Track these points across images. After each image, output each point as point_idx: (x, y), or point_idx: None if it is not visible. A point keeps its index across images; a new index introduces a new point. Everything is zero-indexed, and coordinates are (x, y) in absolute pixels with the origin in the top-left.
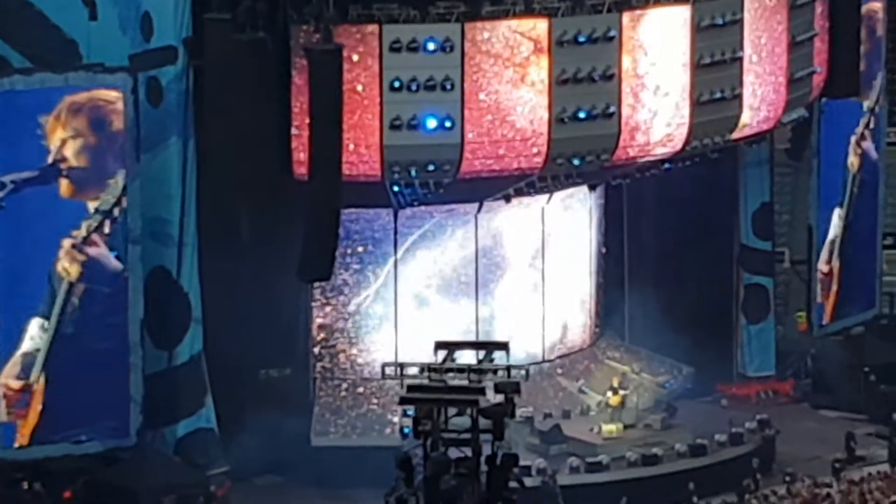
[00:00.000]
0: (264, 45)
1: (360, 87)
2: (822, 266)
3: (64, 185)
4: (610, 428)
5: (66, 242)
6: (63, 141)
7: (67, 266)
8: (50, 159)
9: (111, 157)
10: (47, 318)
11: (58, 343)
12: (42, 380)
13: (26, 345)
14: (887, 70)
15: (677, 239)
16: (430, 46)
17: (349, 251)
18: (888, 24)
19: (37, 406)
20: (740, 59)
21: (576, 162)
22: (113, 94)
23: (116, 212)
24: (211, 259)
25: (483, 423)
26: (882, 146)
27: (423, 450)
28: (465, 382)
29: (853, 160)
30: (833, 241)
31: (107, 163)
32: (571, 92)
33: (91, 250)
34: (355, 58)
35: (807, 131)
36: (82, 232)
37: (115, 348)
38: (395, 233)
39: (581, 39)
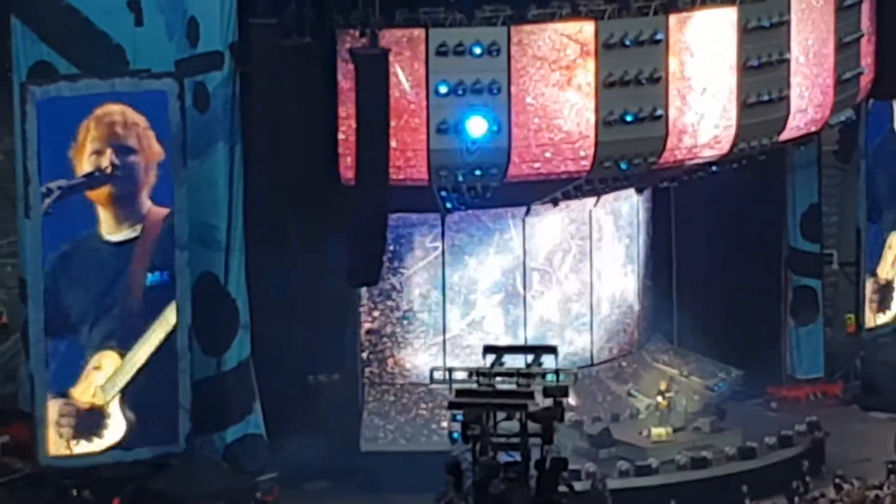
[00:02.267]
0: (310, 50)
1: (407, 93)
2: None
3: (96, 195)
4: (659, 431)
5: None
6: (97, 149)
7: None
8: (85, 167)
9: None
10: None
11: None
12: (118, 401)
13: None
14: None
15: (725, 241)
16: (477, 50)
17: (396, 256)
18: None
19: (118, 428)
20: (787, 61)
21: (623, 165)
22: (139, 117)
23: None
24: (258, 264)
25: (532, 427)
26: None
27: (472, 454)
28: (513, 387)
29: None
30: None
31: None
32: (618, 95)
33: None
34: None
35: (854, 132)
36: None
37: (163, 355)
38: (443, 237)
39: (628, 42)
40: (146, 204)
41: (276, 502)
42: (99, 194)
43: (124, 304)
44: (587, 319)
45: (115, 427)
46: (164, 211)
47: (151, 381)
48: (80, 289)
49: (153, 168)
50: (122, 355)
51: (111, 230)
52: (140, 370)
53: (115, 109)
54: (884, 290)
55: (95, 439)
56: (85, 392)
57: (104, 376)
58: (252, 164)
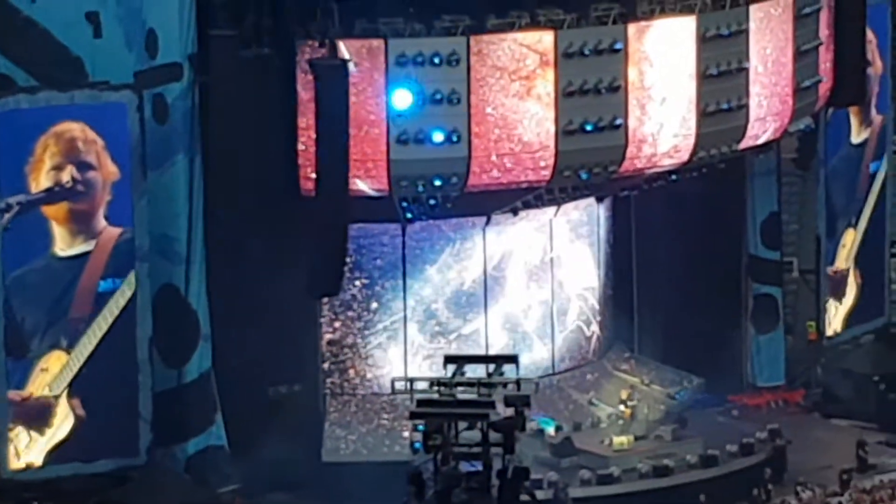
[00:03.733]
0: (270, 61)
1: (366, 104)
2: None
3: (53, 211)
4: (621, 440)
5: None
6: (56, 165)
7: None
8: (44, 183)
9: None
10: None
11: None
12: (65, 397)
13: None
14: (893, 77)
15: (685, 250)
16: (436, 60)
17: (357, 266)
18: (893, 30)
19: (66, 421)
20: (746, 70)
21: (583, 174)
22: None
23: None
24: (219, 276)
25: (493, 436)
26: (888, 153)
27: (433, 464)
28: (474, 396)
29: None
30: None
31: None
32: (578, 104)
33: None
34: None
35: (813, 140)
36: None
37: (123, 367)
38: (404, 247)
39: (587, 51)
40: (101, 223)
41: None
42: (56, 210)
43: (73, 310)
44: (548, 329)
45: (63, 422)
46: (117, 230)
47: (112, 393)
48: (34, 305)
49: (108, 188)
50: (69, 353)
51: (65, 246)
52: (86, 369)
53: (75, 127)
54: (837, 281)
55: (46, 431)
56: (33, 391)
57: (51, 376)
58: (212, 176)
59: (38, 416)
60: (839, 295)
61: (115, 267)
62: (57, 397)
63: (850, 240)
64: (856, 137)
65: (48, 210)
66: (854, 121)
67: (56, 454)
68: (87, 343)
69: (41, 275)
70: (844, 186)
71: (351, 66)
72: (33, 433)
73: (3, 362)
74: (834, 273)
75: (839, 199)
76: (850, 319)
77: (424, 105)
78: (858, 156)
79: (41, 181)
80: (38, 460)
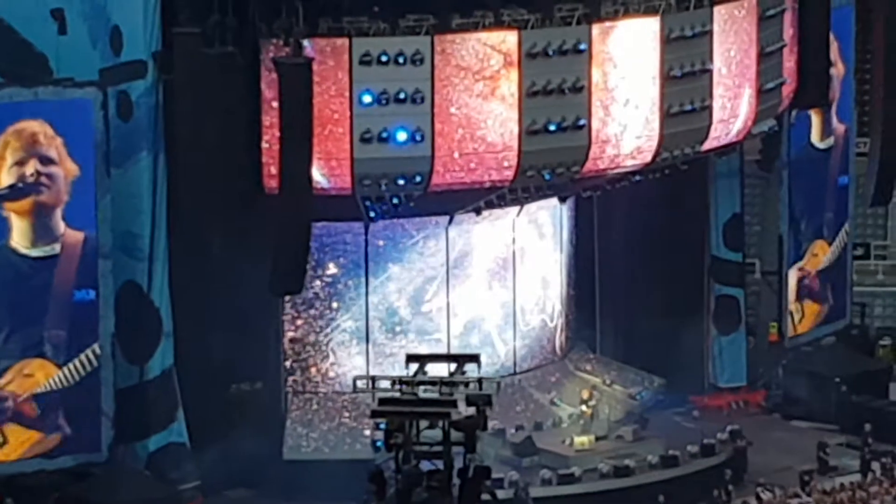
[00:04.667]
0: (234, 59)
1: (330, 103)
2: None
3: (27, 203)
4: (582, 440)
5: None
6: (18, 160)
7: None
8: (8, 177)
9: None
10: None
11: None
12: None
13: None
14: (857, 81)
15: (648, 250)
16: (400, 59)
17: (320, 264)
18: (856, 34)
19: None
20: (710, 71)
21: (546, 174)
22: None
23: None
24: (181, 273)
25: (455, 435)
26: (852, 157)
27: (395, 463)
28: (436, 395)
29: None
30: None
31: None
32: (541, 104)
33: None
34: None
35: (777, 142)
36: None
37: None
38: (367, 245)
39: (551, 52)
40: (61, 224)
41: None
42: (20, 205)
43: (50, 318)
44: (510, 328)
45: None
46: (79, 234)
47: (73, 389)
48: None
49: (68, 185)
50: (59, 367)
51: (27, 244)
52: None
53: (35, 124)
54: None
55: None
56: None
57: (35, 383)
58: (175, 173)
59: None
60: (814, 297)
61: (86, 275)
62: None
63: (822, 252)
64: (818, 140)
65: (11, 206)
66: (815, 121)
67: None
68: (87, 363)
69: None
70: (806, 189)
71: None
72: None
73: None
74: (806, 274)
75: (800, 200)
76: (816, 321)
77: (388, 104)
78: (823, 161)
79: (2, 178)
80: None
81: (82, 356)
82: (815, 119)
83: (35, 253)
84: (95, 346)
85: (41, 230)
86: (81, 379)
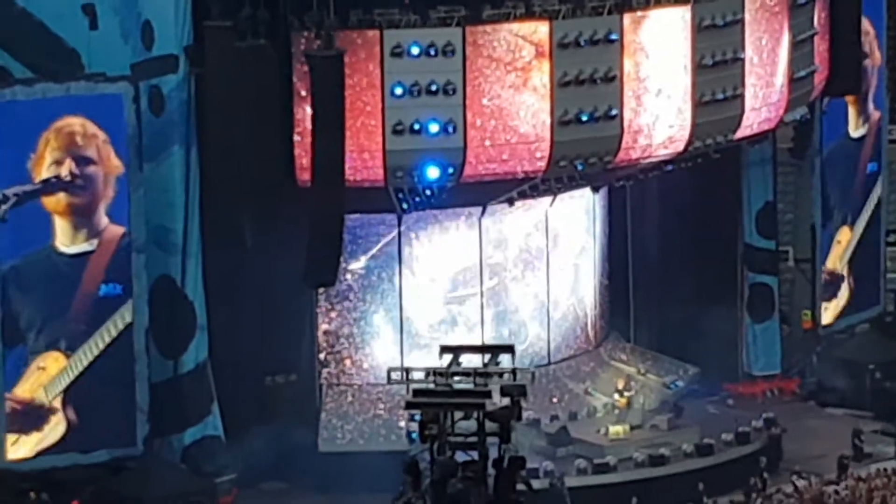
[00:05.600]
0: (265, 52)
1: (362, 95)
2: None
3: (53, 203)
4: (617, 429)
5: None
6: (56, 159)
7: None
8: (43, 175)
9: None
10: None
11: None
12: (60, 401)
13: None
14: (888, 69)
15: (681, 239)
16: (432, 51)
17: (353, 256)
18: (889, 20)
19: (59, 427)
20: (741, 59)
21: (578, 164)
22: (95, 128)
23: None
24: (215, 267)
25: (489, 426)
26: (884, 144)
27: (429, 454)
28: (470, 386)
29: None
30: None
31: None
32: (573, 94)
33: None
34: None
35: (809, 130)
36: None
37: (120, 358)
38: (400, 237)
39: (582, 42)
40: (103, 220)
41: (234, 503)
42: (56, 204)
43: (73, 311)
44: (544, 318)
45: (56, 426)
46: (120, 229)
47: (108, 383)
48: (31, 297)
49: (112, 182)
50: (68, 357)
51: (67, 241)
52: (85, 371)
53: (75, 121)
54: (831, 282)
55: (35, 435)
56: (27, 391)
57: (48, 377)
58: (208, 167)
59: (31, 421)
60: (829, 297)
61: (116, 270)
62: (52, 402)
63: (846, 238)
64: (854, 130)
65: (48, 203)
66: (852, 111)
67: (58, 444)
68: (89, 352)
69: (40, 267)
70: (840, 178)
71: None
72: (23, 437)
73: (1, 355)
74: (828, 275)
75: (834, 189)
76: (843, 314)
77: (420, 96)
78: (856, 150)
79: (42, 175)
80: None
81: (85, 345)
82: (852, 109)
83: (72, 250)
84: (97, 336)
85: (81, 228)
86: (85, 368)
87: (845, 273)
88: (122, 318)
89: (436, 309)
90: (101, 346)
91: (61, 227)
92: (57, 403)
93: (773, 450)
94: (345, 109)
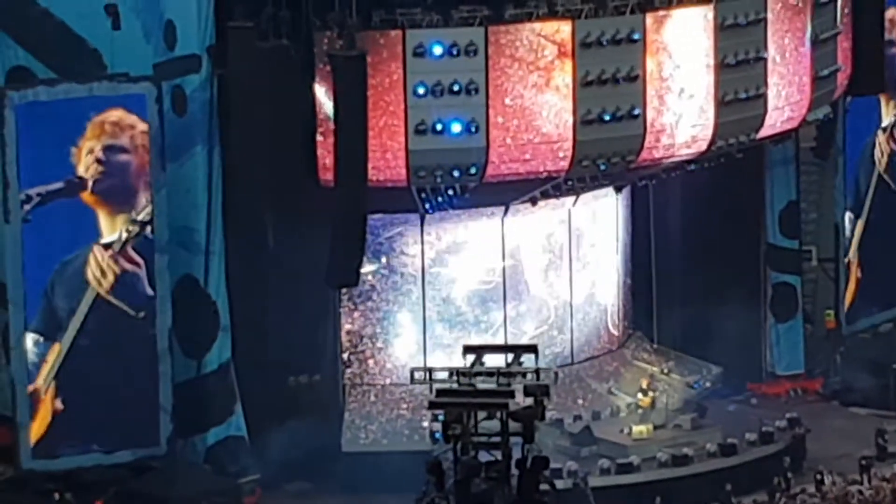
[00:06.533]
0: (288, 53)
1: (384, 95)
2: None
3: (88, 198)
4: (640, 429)
5: (98, 251)
6: (92, 155)
7: (99, 276)
8: (79, 171)
9: (139, 173)
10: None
11: (76, 354)
12: (51, 390)
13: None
14: None
15: (704, 239)
16: (454, 51)
17: (376, 257)
18: None
19: (45, 416)
20: (764, 59)
21: (601, 164)
22: (134, 119)
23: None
24: (238, 267)
25: (513, 426)
26: None
27: (453, 454)
28: (494, 386)
29: (883, 158)
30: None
31: (134, 178)
32: (596, 94)
33: (126, 264)
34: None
35: (832, 129)
36: (119, 243)
37: (143, 358)
38: (423, 237)
39: (604, 42)
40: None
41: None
42: (90, 197)
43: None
44: (567, 318)
45: (43, 414)
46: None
47: (132, 383)
48: (72, 292)
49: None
50: (60, 343)
51: (108, 232)
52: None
53: (114, 113)
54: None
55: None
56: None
57: (48, 367)
58: (230, 167)
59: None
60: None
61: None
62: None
63: (858, 229)
64: (886, 118)
65: (87, 199)
66: (884, 101)
67: (69, 445)
68: (70, 334)
69: (83, 260)
70: (872, 171)
71: None
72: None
73: (24, 355)
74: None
75: (866, 182)
76: (855, 309)
77: (442, 95)
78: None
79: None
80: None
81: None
82: (884, 99)
83: (111, 238)
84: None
85: (119, 215)
86: (130, 370)
87: (853, 264)
88: (92, 292)
89: (458, 309)
90: (77, 324)
91: (103, 219)
92: (49, 392)
93: (796, 449)
94: (367, 109)
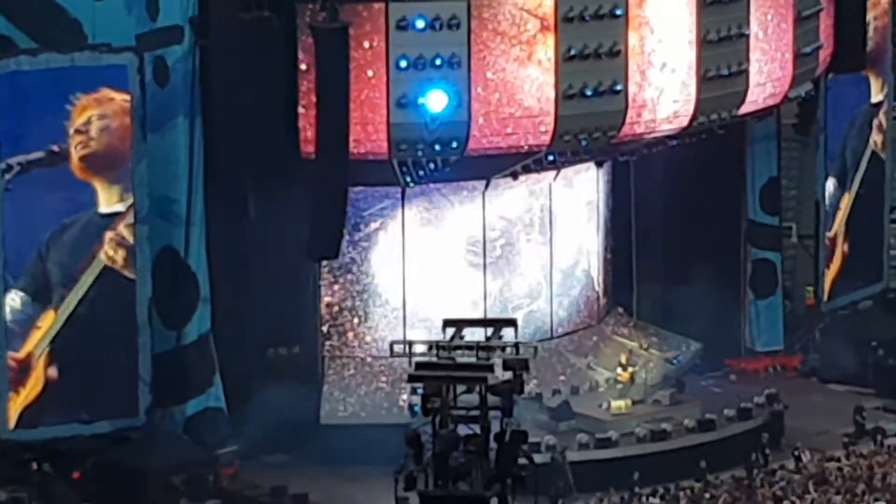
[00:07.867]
0: (270, 24)
1: (366, 68)
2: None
3: (78, 170)
4: (619, 404)
5: (110, 234)
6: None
7: (112, 254)
8: (62, 142)
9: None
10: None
11: (69, 324)
12: (44, 358)
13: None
14: (894, 45)
15: (685, 215)
16: (437, 24)
17: (357, 229)
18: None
19: (36, 385)
20: (746, 35)
21: (583, 139)
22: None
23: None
24: (218, 238)
25: (492, 400)
26: (889, 120)
27: (432, 427)
28: (473, 360)
29: (877, 136)
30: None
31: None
32: (578, 69)
33: (130, 236)
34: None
35: (814, 106)
36: (127, 220)
37: (123, 328)
38: (403, 210)
39: (587, 16)
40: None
41: (236, 475)
42: (83, 171)
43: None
44: (547, 292)
45: (34, 383)
46: None
47: (110, 353)
48: (66, 257)
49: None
50: (56, 311)
51: (110, 203)
52: (85, 338)
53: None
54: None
55: (21, 392)
56: (28, 350)
57: (41, 334)
58: (212, 138)
59: (17, 377)
60: (828, 265)
61: None
62: (36, 358)
63: (845, 204)
64: (875, 96)
65: (77, 170)
66: (872, 78)
67: (51, 415)
68: (70, 303)
69: (81, 230)
70: (861, 146)
71: None
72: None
73: (3, 323)
74: (830, 242)
75: (854, 157)
76: (837, 285)
77: (424, 69)
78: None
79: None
80: (9, 423)
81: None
82: (872, 75)
83: (106, 210)
84: (77, 286)
85: (115, 184)
86: (109, 341)
87: (840, 239)
88: (98, 263)
89: (439, 282)
90: (80, 294)
91: (100, 189)
92: (41, 360)
93: (775, 426)
94: (349, 82)
